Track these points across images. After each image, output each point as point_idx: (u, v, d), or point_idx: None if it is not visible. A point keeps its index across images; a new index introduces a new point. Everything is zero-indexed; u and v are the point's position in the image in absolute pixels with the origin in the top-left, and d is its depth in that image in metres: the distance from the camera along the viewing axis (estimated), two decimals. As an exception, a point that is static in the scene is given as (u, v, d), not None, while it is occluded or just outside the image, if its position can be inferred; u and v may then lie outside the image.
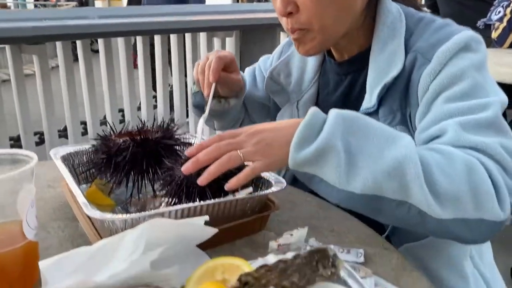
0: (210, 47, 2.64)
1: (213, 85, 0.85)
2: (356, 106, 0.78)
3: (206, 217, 0.53)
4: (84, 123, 2.54)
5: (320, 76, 0.91)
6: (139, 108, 2.72)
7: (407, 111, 0.73)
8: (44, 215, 0.76)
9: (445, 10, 3.00)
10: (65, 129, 2.44)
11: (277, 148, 0.61)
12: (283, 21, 0.77)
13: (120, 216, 0.56)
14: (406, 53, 0.74)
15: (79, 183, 0.83)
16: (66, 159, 0.81)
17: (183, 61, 2.56)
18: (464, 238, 0.59)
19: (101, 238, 0.60)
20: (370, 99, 0.75)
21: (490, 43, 2.99)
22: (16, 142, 2.48)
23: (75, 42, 2.28)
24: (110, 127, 0.80)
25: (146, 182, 0.77)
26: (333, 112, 0.60)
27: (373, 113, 0.75)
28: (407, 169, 0.55)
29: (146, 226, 0.48)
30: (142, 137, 0.75)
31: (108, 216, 0.56)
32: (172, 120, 0.82)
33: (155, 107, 2.75)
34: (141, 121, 0.85)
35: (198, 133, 0.80)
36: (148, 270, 0.47)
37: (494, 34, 2.59)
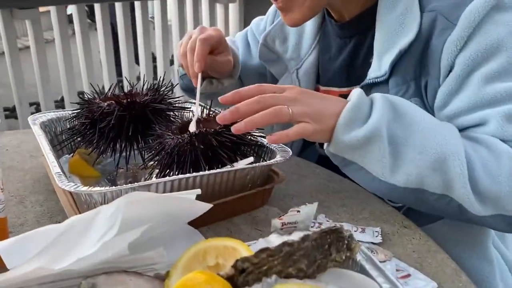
0: (212, 14, 2.51)
1: (200, 73, 0.73)
2: (362, 73, 0.69)
3: (198, 191, 0.45)
4: (82, 93, 2.44)
5: (320, 39, 0.79)
6: (138, 78, 2.62)
7: (421, 80, 0.63)
8: (23, 187, 0.68)
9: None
10: (62, 99, 2.35)
11: (328, 117, 0.54)
12: None
13: (98, 189, 0.47)
14: (421, 11, 0.63)
15: (62, 152, 0.75)
16: (47, 125, 0.73)
17: (183, 30, 2.44)
18: (500, 229, 0.59)
19: (80, 213, 0.52)
20: (379, 67, 0.65)
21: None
22: (12, 112, 2.40)
23: (70, 15, 2.17)
24: (94, 89, 0.71)
25: (135, 151, 0.68)
26: (379, 96, 0.56)
27: (382, 83, 0.65)
28: (452, 166, 0.52)
29: (124, 201, 0.40)
30: (129, 100, 0.66)
31: (84, 188, 0.48)
32: (162, 81, 0.72)
33: (155, 67, 2.65)
34: (130, 83, 0.76)
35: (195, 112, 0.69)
36: (126, 253, 0.39)
37: None
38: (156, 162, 0.63)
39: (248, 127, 0.52)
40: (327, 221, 0.57)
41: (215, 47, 0.77)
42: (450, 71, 0.59)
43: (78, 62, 2.21)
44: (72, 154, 0.71)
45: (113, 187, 0.48)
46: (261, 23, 0.92)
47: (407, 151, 0.53)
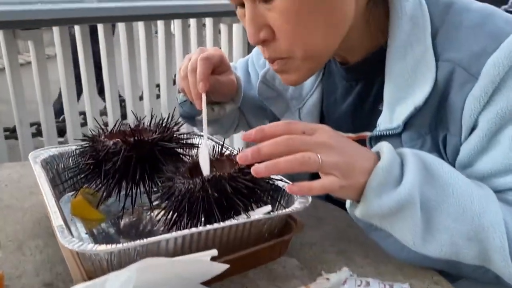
0: (216, 34, 2.50)
1: (204, 94, 0.68)
2: (369, 119, 0.64)
3: (214, 252, 0.41)
4: (83, 113, 2.42)
5: (323, 77, 0.74)
6: (141, 98, 2.59)
7: (438, 134, 0.57)
8: (22, 230, 0.64)
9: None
10: (63, 120, 2.32)
11: (358, 172, 0.48)
12: (261, 52, 0.62)
13: (104, 249, 0.43)
14: (436, 60, 0.56)
15: (64, 190, 0.71)
16: (48, 162, 0.69)
17: (187, 50, 2.42)
18: None
19: (84, 268, 0.48)
20: (390, 119, 0.59)
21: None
22: (12, 133, 2.37)
23: (73, 27, 2.15)
24: (99, 125, 0.67)
25: (141, 192, 0.64)
26: (410, 153, 0.51)
27: (394, 136, 0.59)
28: (491, 237, 0.48)
29: (135, 267, 0.36)
30: (136, 138, 0.62)
31: (89, 247, 0.43)
32: (172, 117, 0.68)
33: (158, 96, 2.62)
34: (136, 117, 0.72)
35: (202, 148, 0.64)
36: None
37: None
38: (163, 204, 0.59)
39: (269, 172, 0.47)
40: (351, 275, 0.53)
41: (217, 65, 0.72)
42: (473, 128, 0.54)
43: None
44: (74, 194, 0.67)
45: (120, 245, 0.44)
46: (261, 56, 0.86)
47: (440, 218, 0.48)
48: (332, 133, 0.50)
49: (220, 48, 2.71)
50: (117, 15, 1.98)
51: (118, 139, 0.62)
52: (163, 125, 0.68)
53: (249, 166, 0.51)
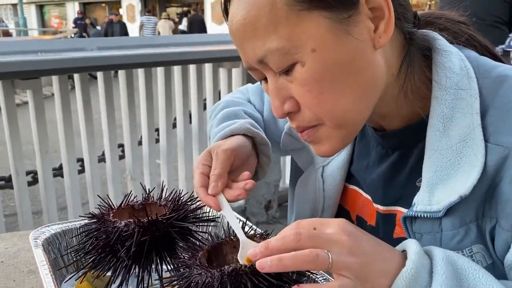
0: (216, 79, 2.49)
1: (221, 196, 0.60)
2: (403, 193, 0.59)
3: None
4: (81, 160, 2.36)
5: (356, 139, 0.68)
6: (140, 143, 2.55)
7: (486, 223, 0.51)
8: (20, 321, 0.57)
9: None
10: (60, 167, 2.26)
11: (377, 276, 0.43)
12: (287, 119, 0.57)
13: None
14: (486, 141, 0.50)
15: (66, 271, 0.65)
16: (51, 243, 0.64)
17: (187, 95, 2.41)
18: None
19: None
20: (429, 200, 0.53)
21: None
22: (7, 182, 2.30)
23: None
24: (105, 202, 0.62)
25: (152, 279, 0.59)
26: (440, 257, 0.45)
27: (433, 219, 0.53)
28: None
29: None
30: (150, 218, 0.57)
31: None
32: (180, 192, 0.63)
33: (157, 141, 2.59)
34: (144, 188, 0.67)
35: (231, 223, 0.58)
36: None
37: (516, 61, 2.46)
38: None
39: (273, 268, 0.43)
40: None
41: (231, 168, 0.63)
42: None
43: (78, 125, 2.15)
44: (80, 279, 0.61)
45: None
46: None
47: None
48: (347, 228, 0.45)
49: (220, 91, 2.70)
50: (118, 63, 1.97)
51: (130, 220, 0.57)
52: (175, 198, 0.63)
53: None
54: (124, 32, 10.60)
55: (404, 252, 0.47)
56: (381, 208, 0.62)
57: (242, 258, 0.53)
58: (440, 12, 0.63)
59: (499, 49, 2.69)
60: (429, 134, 0.54)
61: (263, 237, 0.58)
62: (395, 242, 0.50)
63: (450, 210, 0.51)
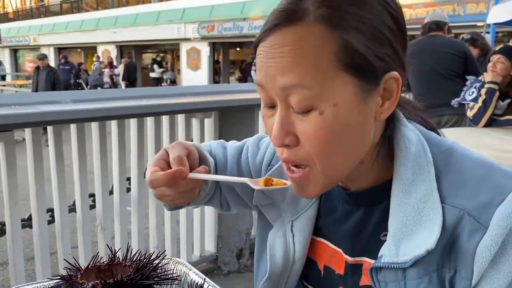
0: (188, 129, 2.57)
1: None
2: (369, 246, 0.66)
3: None
4: (51, 211, 2.35)
5: (322, 197, 0.75)
6: (111, 193, 2.56)
7: (445, 273, 0.59)
8: None
9: (417, 91, 3.07)
10: (29, 218, 2.24)
11: None
12: (278, 150, 0.63)
13: None
14: (442, 202, 0.59)
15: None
16: (20, 303, 0.67)
17: (159, 145, 2.47)
18: None
19: None
20: (396, 252, 0.61)
21: (463, 120, 3.07)
22: (-27, 234, 2.26)
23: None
24: (73, 264, 0.67)
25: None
26: None
27: (397, 269, 0.60)
28: None
29: None
30: (116, 279, 0.62)
31: None
32: (145, 253, 0.69)
33: (128, 190, 2.61)
34: (111, 249, 0.72)
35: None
36: None
37: (470, 113, 2.65)
38: None
39: None
40: None
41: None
42: (483, 274, 0.57)
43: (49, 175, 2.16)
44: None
45: None
46: (258, 155, 0.82)
47: None
48: None
49: (192, 141, 2.78)
50: (91, 116, 2.03)
51: (97, 281, 0.62)
52: (140, 258, 0.68)
53: None
54: (54, 78, 8.41)
55: None
56: (349, 258, 0.69)
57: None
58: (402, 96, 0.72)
59: (455, 102, 2.90)
60: (394, 194, 0.62)
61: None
62: None
63: (415, 262, 0.59)
